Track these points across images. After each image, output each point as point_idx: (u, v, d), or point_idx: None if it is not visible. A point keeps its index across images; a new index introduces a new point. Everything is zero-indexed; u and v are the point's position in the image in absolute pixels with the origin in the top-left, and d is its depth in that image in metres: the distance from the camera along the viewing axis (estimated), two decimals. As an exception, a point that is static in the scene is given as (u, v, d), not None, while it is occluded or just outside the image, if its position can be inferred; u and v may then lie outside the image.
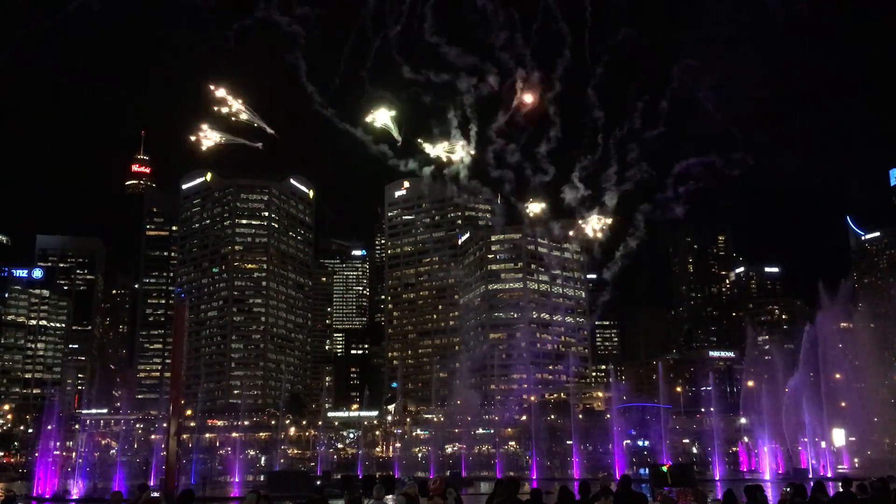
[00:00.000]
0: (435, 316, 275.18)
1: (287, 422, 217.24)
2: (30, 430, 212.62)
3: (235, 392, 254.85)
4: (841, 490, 20.89)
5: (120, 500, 22.60)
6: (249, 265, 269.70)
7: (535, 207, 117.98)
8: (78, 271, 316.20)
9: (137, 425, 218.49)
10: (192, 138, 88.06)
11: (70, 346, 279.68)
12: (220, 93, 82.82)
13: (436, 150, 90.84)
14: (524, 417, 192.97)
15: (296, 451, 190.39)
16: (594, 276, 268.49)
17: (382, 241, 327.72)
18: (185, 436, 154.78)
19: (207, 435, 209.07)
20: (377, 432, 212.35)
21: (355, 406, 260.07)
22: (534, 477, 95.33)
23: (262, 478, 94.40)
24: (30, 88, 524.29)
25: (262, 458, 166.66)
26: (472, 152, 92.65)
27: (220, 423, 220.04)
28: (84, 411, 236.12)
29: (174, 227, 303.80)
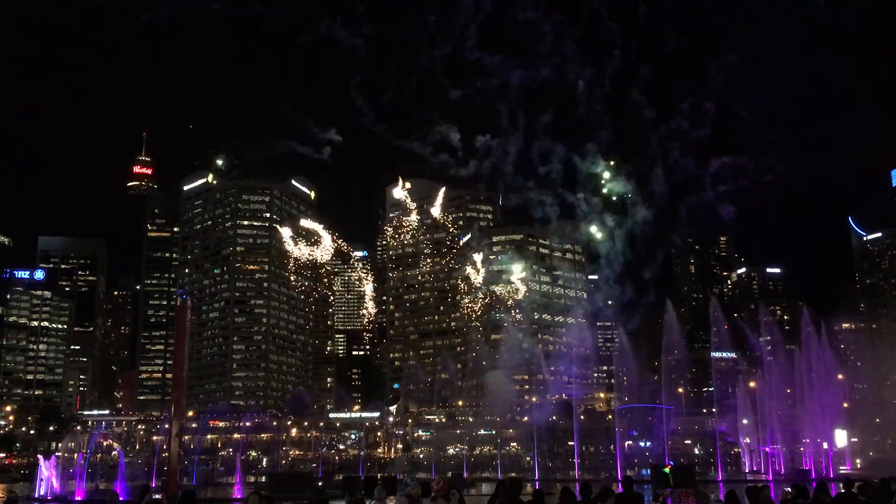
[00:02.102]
0: (436, 317, 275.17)
1: (289, 423, 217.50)
2: (31, 432, 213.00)
3: (237, 393, 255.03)
4: (843, 491, 20.87)
5: (115, 500, 22.65)
6: (251, 266, 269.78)
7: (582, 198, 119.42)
8: (80, 272, 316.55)
9: (139, 426, 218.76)
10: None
11: (72, 347, 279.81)
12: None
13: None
14: (526, 418, 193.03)
15: (297, 453, 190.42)
16: (595, 276, 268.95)
17: (384, 242, 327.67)
18: (186, 437, 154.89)
19: (209, 436, 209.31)
20: (378, 433, 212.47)
21: (357, 407, 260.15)
22: (536, 478, 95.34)
23: (263, 479, 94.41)
24: (32, 88, 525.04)
25: (264, 460, 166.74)
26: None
27: (221, 424, 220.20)
28: (86, 412, 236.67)
29: (176, 229, 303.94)
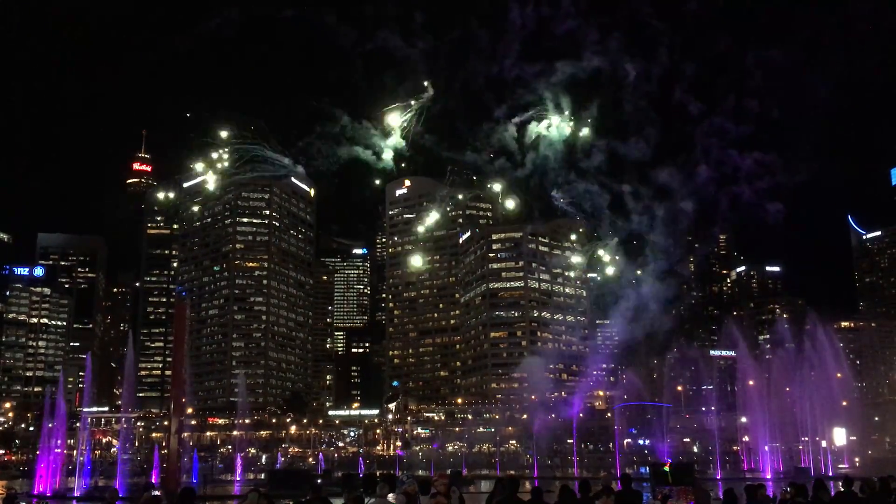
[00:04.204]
0: (436, 315, 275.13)
1: (288, 420, 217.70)
2: (31, 428, 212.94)
3: (236, 390, 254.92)
4: (842, 489, 20.87)
5: (115, 497, 22.68)
6: (250, 263, 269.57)
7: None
8: (79, 269, 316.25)
9: (138, 423, 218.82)
10: None
11: (71, 344, 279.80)
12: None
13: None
14: (525, 416, 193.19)
15: (297, 450, 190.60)
16: (594, 275, 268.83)
17: (383, 240, 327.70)
18: (185, 434, 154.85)
19: (208, 433, 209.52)
20: (378, 431, 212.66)
21: (356, 404, 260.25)
22: (534, 476, 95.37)
23: (262, 476, 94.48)
24: (33, 86, 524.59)
25: (263, 457, 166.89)
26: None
27: (220, 421, 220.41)
28: (85, 409, 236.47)
29: (175, 226, 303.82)
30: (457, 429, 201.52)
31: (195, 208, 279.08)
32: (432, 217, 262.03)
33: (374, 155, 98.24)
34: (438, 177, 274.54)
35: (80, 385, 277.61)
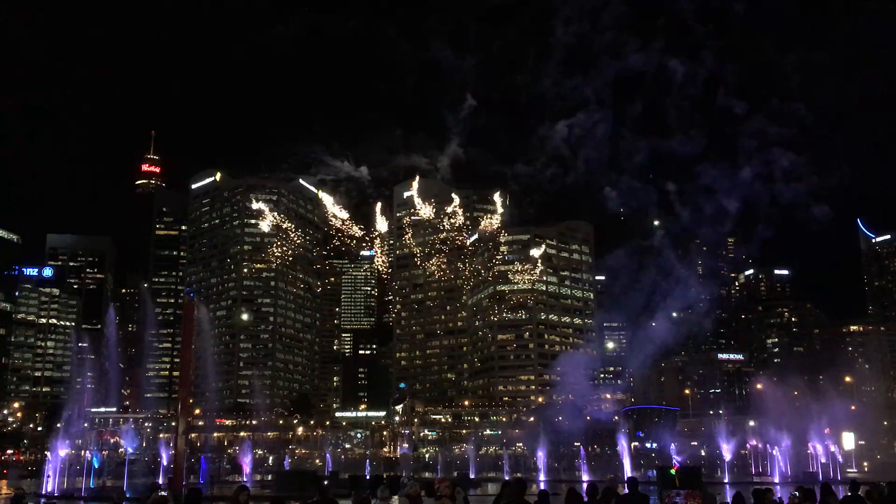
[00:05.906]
0: (443, 317, 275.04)
1: (295, 421, 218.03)
2: (39, 428, 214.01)
3: (244, 392, 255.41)
4: (849, 494, 20.74)
5: (123, 497, 22.72)
6: (258, 265, 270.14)
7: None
8: (88, 270, 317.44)
9: (146, 424, 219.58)
10: None
11: (79, 344, 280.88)
12: None
13: None
14: (532, 419, 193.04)
15: (303, 451, 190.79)
16: (602, 277, 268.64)
17: (391, 242, 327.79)
18: (193, 435, 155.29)
19: (216, 434, 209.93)
20: (385, 433, 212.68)
21: (363, 406, 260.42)
22: (541, 479, 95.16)
23: (269, 477, 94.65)
24: (40, 86, 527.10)
25: (270, 458, 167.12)
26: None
27: (228, 422, 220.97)
28: (92, 410, 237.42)
29: (184, 227, 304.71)
30: (464, 431, 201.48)
31: (204, 209, 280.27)
32: (492, 223, 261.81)
33: (430, 164, 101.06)
34: (491, 184, 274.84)
35: (89, 385, 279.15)
